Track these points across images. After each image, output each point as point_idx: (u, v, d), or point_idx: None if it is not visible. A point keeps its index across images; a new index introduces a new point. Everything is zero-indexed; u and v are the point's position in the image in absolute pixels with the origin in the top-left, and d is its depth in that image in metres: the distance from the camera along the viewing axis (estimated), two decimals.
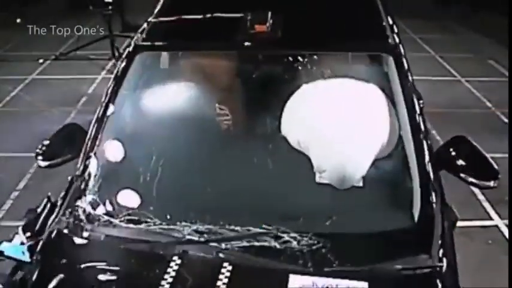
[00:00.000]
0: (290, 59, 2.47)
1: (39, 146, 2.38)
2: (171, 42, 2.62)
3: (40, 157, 2.35)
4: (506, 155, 3.88)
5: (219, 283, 1.73)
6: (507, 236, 3.61)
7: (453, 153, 2.25)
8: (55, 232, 2.00)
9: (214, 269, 1.78)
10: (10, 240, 2.11)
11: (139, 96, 2.50)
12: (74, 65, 6.63)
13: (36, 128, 4.99)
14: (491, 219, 3.81)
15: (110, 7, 6.39)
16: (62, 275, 1.84)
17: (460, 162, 2.22)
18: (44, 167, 2.36)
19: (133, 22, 7.84)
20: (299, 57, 2.45)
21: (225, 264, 1.79)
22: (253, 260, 1.81)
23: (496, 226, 3.74)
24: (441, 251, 1.85)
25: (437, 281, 1.78)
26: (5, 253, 2.02)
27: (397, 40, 2.51)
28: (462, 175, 2.19)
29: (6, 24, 8.02)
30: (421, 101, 2.52)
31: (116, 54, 6.59)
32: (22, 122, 5.20)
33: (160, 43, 2.62)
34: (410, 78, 2.37)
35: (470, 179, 2.17)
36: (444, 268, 1.81)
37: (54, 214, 2.09)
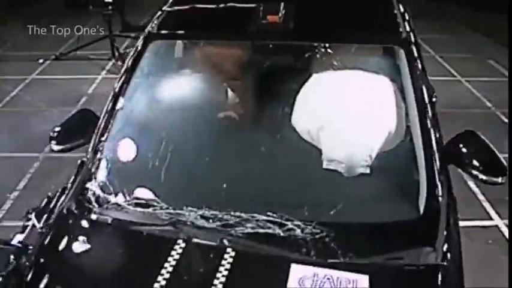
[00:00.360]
0: (301, 49, 2.49)
1: (53, 130, 2.42)
2: (183, 32, 2.65)
3: (54, 141, 2.38)
4: (506, 155, 3.87)
5: (221, 268, 1.75)
6: (507, 236, 3.61)
7: (462, 148, 2.23)
8: (64, 212, 2.04)
9: (218, 254, 1.80)
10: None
11: (150, 84, 2.54)
12: (74, 65, 6.63)
13: (36, 128, 4.99)
14: (491, 219, 3.81)
15: (110, 7, 6.38)
16: (68, 254, 1.88)
17: (469, 157, 2.19)
18: (58, 151, 2.39)
19: (133, 22, 7.85)
20: (310, 48, 2.47)
21: (228, 250, 1.81)
22: (257, 247, 1.83)
23: (496, 226, 3.74)
24: (446, 245, 1.84)
25: (441, 275, 1.77)
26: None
27: (409, 33, 2.50)
28: (470, 170, 2.16)
29: (6, 24, 8.03)
30: (434, 94, 2.51)
31: (116, 54, 6.59)
32: (22, 122, 5.20)
33: (173, 32, 2.65)
34: (422, 71, 2.36)
35: (479, 175, 2.14)
36: (448, 262, 1.80)
37: (64, 196, 2.14)
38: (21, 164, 4.41)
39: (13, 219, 3.51)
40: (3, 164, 4.48)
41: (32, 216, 2.14)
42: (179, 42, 2.78)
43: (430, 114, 2.21)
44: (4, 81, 6.14)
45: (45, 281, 1.79)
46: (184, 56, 2.81)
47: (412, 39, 2.48)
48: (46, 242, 1.96)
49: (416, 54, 2.39)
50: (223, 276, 1.72)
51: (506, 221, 3.72)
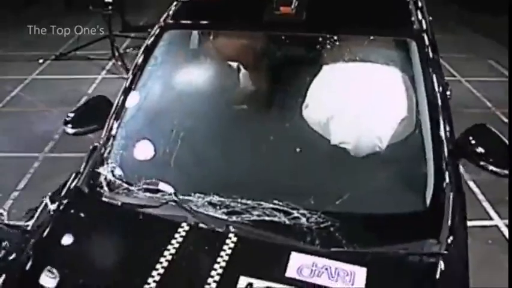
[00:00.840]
0: (313, 41, 2.51)
1: (68, 114, 2.52)
2: (197, 21, 2.70)
3: (69, 124, 2.47)
4: None
5: (222, 253, 1.77)
6: (507, 235, 3.61)
7: (473, 141, 2.21)
8: (75, 195, 2.11)
9: (221, 240, 1.82)
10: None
11: (164, 72, 2.59)
12: (74, 65, 6.63)
13: (36, 128, 5.00)
14: (491, 219, 3.81)
15: (110, 7, 6.38)
16: (75, 236, 1.93)
17: (480, 150, 2.17)
18: (72, 134, 2.48)
19: (133, 22, 7.86)
20: (322, 40, 2.49)
21: (231, 235, 1.84)
22: (260, 234, 1.85)
23: (496, 226, 3.74)
24: (450, 240, 1.82)
25: (443, 268, 1.75)
26: None
27: (423, 25, 2.50)
28: (481, 163, 2.13)
29: (6, 24, 8.03)
30: (449, 87, 2.50)
31: (116, 54, 6.60)
32: (22, 122, 5.20)
33: (187, 22, 2.71)
34: (435, 63, 2.35)
35: (490, 167, 2.12)
36: (452, 257, 1.79)
37: (76, 180, 2.19)
38: (21, 164, 4.41)
39: (13, 219, 3.51)
40: (3, 164, 4.48)
41: (46, 198, 2.21)
42: (193, 32, 2.84)
43: (441, 107, 2.20)
44: (4, 81, 6.14)
45: (50, 260, 1.84)
46: (197, 45, 2.86)
47: (428, 31, 2.46)
48: (55, 223, 2.02)
49: (429, 47, 2.38)
50: (224, 261, 1.75)
51: (506, 221, 3.71)
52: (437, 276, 1.74)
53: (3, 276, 1.85)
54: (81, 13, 7.45)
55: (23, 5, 8.93)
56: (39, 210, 2.23)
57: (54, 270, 1.76)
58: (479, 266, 3.03)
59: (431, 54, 2.36)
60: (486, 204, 3.93)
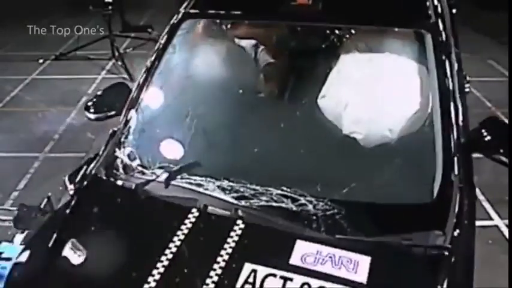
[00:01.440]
0: (329, 31, 2.56)
1: (89, 100, 2.63)
2: (216, 11, 2.75)
3: (91, 109, 2.57)
4: None
5: (229, 240, 1.80)
6: (507, 236, 3.61)
7: (485, 134, 2.21)
8: (92, 177, 2.17)
9: (229, 224, 1.86)
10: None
11: (181, 60, 2.66)
12: (74, 65, 6.63)
13: (36, 128, 5.00)
14: (491, 219, 3.81)
15: (110, 7, 6.38)
16: (90, 216, 1.99)
17: (492, 142, 2.18)
18: (94, 119, 2.58)
19: (133, 22, 7.85)
20: (338, 30, 2.53)
21: (239, 222, 1.87)
22: (266, 220, 1.87)
23: (496, 226, 3.74)
24: (456, 232, 1.82)
25: (447, 261, 1.75)
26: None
27: (440, 17, 2.49)
28: (494, 155, 2.14)
29: (6, 24, 8.03)
30: (467, 78, 2.48)
31: (116, 54, 6.60)
32: (22, 122, 5.20)
33: (207, 11, 2.76)
34: (452, 57, 2.35)
35: (502, 158, 2.12)
36: (457, 249, 1.78)
37: (94, 163, 2.25)
38: (21, 164, 4.41)
39: None
40: (3, 164, 4.48)
41: (66, 178, 2.29)
42: (211, 21, 2.89)
43: (454, 101, 2.20)
44: (4, 81, 6.14)
45: (69, 237, 1.90)
46: (214, 35, 2.90)
47: (445, 23, 2.46)
48: (73, 203, 2.08)
49: (445, 39, 2.38)
50: (230, 247, 1.78)
51: (506, 221, 3.71)
52: (440, 268, 1.74)
53: (28, 251, 1.89)
54: (81, 13, 7.44)
55: (23, 5, 8.92)
56: (45, 200, 2.25)
57: (80, 246, 1.82)
58: (479, 266, 3.04)
59: (447, 47, 2.36)
60: (486, 204, 3.92)
